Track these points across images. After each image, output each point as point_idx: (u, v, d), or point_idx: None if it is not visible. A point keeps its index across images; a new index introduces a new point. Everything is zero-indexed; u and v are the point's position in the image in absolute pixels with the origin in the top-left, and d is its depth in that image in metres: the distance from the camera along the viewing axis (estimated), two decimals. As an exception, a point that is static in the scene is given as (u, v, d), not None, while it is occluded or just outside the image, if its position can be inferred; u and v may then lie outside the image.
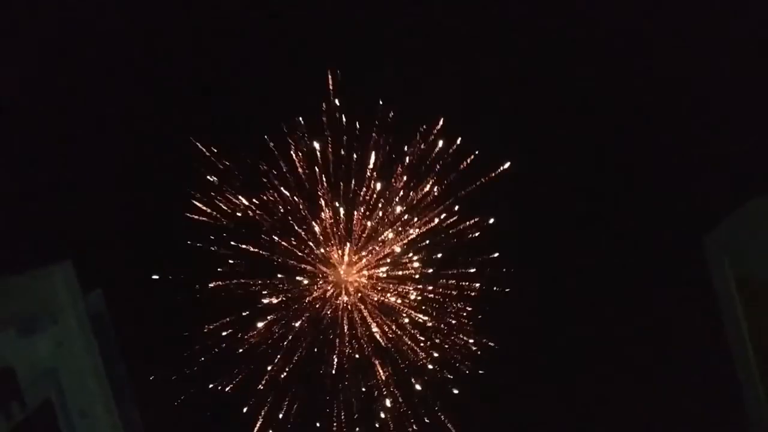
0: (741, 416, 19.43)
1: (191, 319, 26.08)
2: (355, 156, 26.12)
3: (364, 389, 26.92)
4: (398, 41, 24.35)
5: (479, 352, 26.46)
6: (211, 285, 26.11)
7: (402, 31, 24.43)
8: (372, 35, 24.41)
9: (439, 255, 26.68)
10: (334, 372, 26.91)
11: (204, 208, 25.83)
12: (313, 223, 26.72)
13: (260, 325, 26.37)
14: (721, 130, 20.01)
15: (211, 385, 26.18)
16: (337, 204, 26.70)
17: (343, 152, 26.09)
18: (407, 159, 26.27)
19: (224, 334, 26.27)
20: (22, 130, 21.21)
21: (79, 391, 13.60)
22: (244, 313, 26.47)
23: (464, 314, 26.92)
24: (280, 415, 26.30)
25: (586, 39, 22.33)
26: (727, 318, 18.48)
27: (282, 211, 26.71)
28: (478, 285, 26.52)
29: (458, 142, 25.56)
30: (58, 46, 21.68)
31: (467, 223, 26.37)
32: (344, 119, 25.69)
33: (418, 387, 27.01)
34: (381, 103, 25.21)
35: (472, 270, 26.61)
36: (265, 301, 26.64)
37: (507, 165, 25.26)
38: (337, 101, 25.32)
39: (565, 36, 23.00)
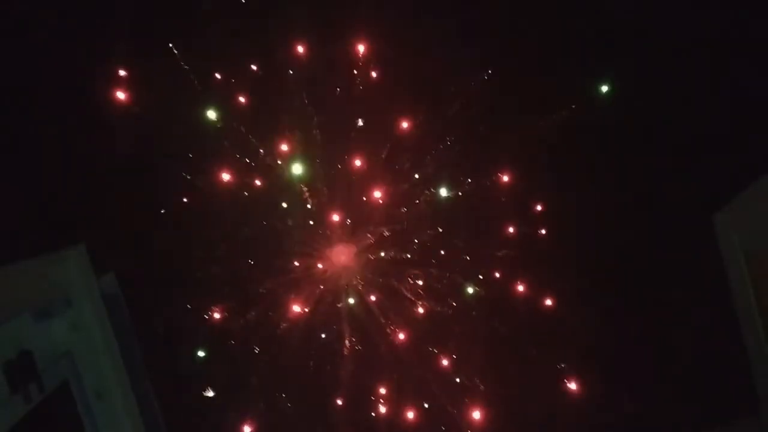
0: (751, 396, 19.59)
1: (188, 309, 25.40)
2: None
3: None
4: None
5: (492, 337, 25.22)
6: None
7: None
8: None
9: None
10: (333, 365, 25.55)
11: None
12: (308, 196, 24.76)
13: (253, 313, 25.17)
14: (731, 108, 19.94)
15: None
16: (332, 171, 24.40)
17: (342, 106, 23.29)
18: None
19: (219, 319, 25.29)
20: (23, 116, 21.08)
21: (95, 373, 13.70)
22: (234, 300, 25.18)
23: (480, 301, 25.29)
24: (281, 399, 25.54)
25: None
26: (737, 295, 18.58)
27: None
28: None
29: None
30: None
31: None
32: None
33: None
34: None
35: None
36: (257, 287, 25.09)
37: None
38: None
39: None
